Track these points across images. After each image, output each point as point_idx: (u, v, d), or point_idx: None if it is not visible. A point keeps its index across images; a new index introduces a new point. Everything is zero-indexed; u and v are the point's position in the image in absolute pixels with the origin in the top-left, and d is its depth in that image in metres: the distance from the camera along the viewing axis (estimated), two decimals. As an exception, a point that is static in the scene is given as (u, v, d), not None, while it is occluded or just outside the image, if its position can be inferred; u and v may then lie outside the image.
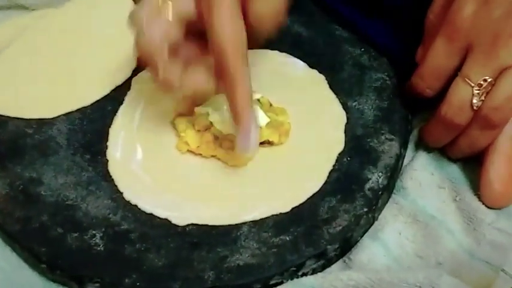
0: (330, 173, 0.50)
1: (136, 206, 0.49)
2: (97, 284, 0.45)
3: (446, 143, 0.51)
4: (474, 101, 0.47)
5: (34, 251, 0.46)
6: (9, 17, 0.63)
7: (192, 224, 0.48)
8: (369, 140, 0.52)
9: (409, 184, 0.51)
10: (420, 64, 0.50)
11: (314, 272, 0.46)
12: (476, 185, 0.50)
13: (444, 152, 0.52)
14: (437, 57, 0.49)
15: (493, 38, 0.47)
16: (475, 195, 0.50)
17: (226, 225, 0.47)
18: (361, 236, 0.48)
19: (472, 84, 0.47)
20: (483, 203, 0.49)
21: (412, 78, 0.51)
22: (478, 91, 0.47)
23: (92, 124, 0.54)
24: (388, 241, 0.48)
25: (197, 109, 0.51)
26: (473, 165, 0.51)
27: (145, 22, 0.46)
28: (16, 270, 0.47)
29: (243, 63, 0.46)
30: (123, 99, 0.55)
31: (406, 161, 0.52)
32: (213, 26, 0.45)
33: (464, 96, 0.48)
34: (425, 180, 0.51)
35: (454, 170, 0.52)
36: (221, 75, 0.47)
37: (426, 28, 0.51)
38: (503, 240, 0.48)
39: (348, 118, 0.53)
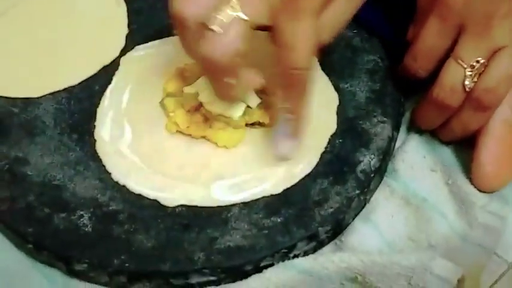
0: (321, 155, 0.49)
1: (124, 186, 0.48)
2: (85, 265, 0.44)
3: (438, 125, 0.51)
4: (466, 82, 0.47)
5: (20, 232, 0.46)
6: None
7: (182, 206, 0.47)
8: (361, 122, 0.51)
9: (401, 167, 0.50)
10: (412, 44, 0.50)
11: (305, 254, 0.46)
12: (468, 168, 0.50)
13: (436, 135, 0.52)
14: (429, 37, 0.49)
15: (485, 18, 0.46)
16: (467, 178, 0.50)
17: (216, 207, 0.47)
18: (353, 219, 0.48)
19: (465, 66, 0.47)
20: (475, 186, 0.49)
21: (405, 59, 0.50)
22: (470, 72, 0.47)
23: (79, 104, 0.53)
24: (380, 223, 0.48)
25: (186, 89, 0.50)
26: (465, 148, 0.51)
27: (221, 26, 0.43)
28: (2, 251, 0.47)
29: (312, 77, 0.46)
30: (111, 79, 0.54)
31: (398, 143, 0.52)
32: (292, 40, 0.43)
33: (456, 77, 0.47)
34: (417, 163, 0.51)
35: (446, 153, 0.51)
36: (290, 83, 0.45)
37: (418, 7, 0.50)
38: (496, 224, 0.47)
39: (339, 100, 0.53)
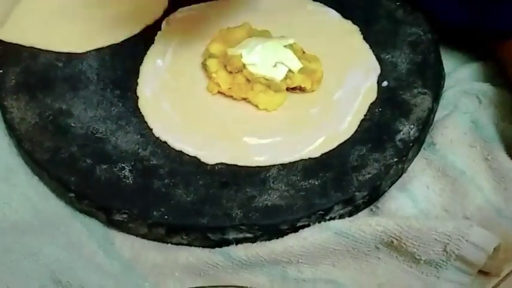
0: (361, 122, 0.50)
1: (165, 142, 0.48)
2: (125, 216, 0.45)
3: None
4: None
5: (63, 181, 0.46)
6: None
7: (221, 164, 0.47)
8: (401, 92, 0.51)
9: (440, 140, 0.50)
10: None
11: (341, 217, 0.46)
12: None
13: None
14: None
15: None
16: (508, 156, 0.49)
17: (255, 167, 0.47)
18: (389, 186, 0.48)
19: None
20: None
21: None
22: None
23: (122, 61, 0.53)
24: (415, 193, 0.48)
25: (230, 50, 0.51)
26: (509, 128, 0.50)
27: None
28: (43, 200, 0.48)
29: None
30: (154, 39, 0.55)
31: (437, 116, 0.52)
32: None
33: None
34: (457, 138, 0.50)
35: (489, 131, 0.51)
36: None
37: None
38: (534, 201, 0.47)
39: (380, 70, 0.53)
